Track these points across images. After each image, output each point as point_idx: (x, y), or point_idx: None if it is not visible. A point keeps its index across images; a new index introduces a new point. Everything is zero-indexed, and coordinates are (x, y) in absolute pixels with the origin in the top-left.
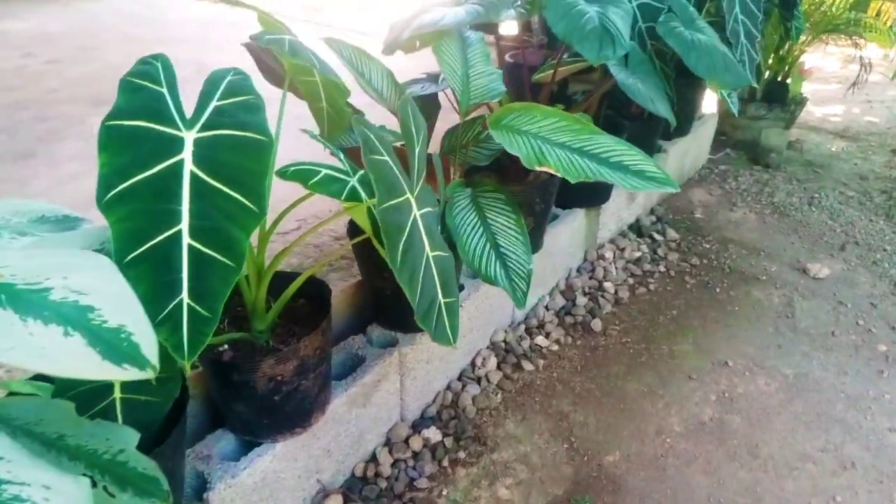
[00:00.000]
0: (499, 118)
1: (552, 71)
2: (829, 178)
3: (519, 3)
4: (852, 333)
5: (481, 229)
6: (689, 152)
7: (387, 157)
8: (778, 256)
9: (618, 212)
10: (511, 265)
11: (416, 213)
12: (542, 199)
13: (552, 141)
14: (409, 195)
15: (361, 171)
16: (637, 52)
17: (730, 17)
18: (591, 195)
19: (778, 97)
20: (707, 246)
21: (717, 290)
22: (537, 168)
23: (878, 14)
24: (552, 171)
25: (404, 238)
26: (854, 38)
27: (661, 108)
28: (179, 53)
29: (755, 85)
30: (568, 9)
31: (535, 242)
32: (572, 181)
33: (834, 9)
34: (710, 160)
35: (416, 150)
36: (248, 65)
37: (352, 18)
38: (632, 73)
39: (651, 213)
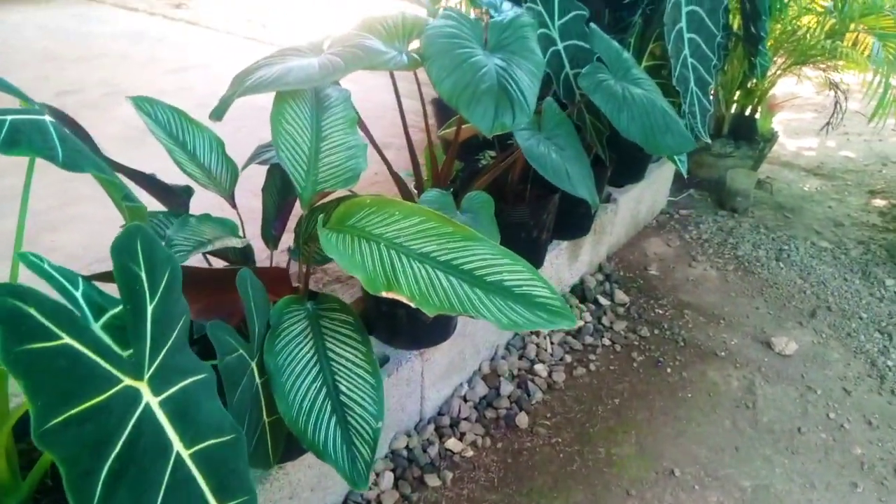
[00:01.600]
0: (343, 216)
1: (455, 129)
2: (800, 225)
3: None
4: (822, 430)
5: (317, 368)
6: (644, 199)
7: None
8: (740, 325)
9: (556, 273)
10: (353, 422)
11: (147, 401)
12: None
13: (412, 251)
14: (126, 382)
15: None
16: (554, 110)
17: (677, 61)
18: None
19: (745, 133)
20: (660, 312)
21: (669, 369)
22: (384, 294)
23: (854, 44)
24: (405, 300)
25: (111, 459)
26: (828, 66)
27: (580, 187)
28: (94, 73)
29: (707, 140)
30: (458, 61)
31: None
32: (430, 314)
33: (808, 37)
34: (670, 202)
35: (150, 309)
36: (168, 87)
37: (299, 36)
38: (546, 137)
39: (599, 269)
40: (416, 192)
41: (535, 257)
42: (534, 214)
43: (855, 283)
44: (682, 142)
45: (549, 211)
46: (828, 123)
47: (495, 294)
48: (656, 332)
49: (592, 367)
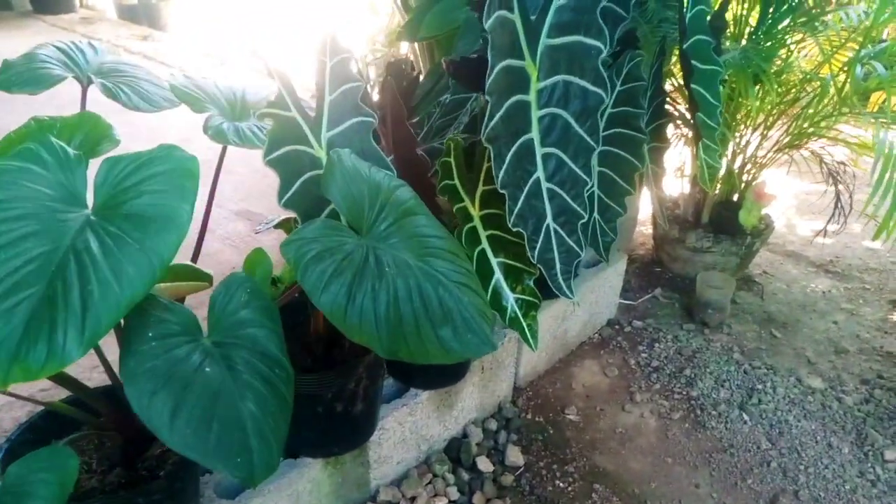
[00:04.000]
0: None
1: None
2: (789, 350)
3: None
4: None
5: None
6: (573, 315)
7: None
8: None
9: (415, 432)
10: None
11: None
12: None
13: None
14: None
15: None
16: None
17: (520, 192)
18: (333, 428)
19: (729, 224)
20: (562, 485)
21: None
22: None
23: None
24: None
25: None
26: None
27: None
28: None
29: (571, 296)
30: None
31: None
32: None
33: (814, 109)
34: (628, 307)
35: None
36: None
37: (254, 75)
38: None
39: (498, 411)
40: None
41: (346, 434)
42: (329, 385)
43: (843, 452)
44: (470, 343)
45: (361, 377)
46: (831, 218)
47: None
48: None
49: None
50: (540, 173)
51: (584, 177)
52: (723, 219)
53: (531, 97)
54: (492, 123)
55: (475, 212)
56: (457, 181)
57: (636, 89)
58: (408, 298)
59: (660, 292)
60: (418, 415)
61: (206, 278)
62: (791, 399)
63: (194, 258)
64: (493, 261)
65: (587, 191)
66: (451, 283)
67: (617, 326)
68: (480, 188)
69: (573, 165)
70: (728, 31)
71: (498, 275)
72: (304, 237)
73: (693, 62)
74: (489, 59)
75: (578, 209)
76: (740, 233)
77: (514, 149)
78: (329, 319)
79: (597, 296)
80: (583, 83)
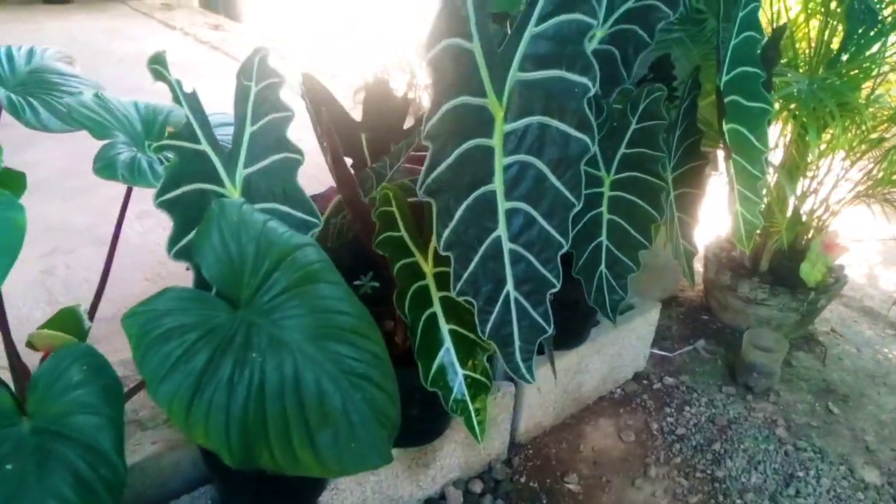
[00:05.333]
0: None
1: None
2: (845, 431)
3: None
4: None
5: None
6: (590, 367)
7: None
8: None
9: (379, 493)
10: None
11: None
12: None
13: None
14: None
15: None
16: None
17: (473, 253)
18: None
19: (789, 277)
20: None
21: None
22: None
23: None
24: None
25: None
26: None
27: None
28: None
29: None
30: None
31: None
32: None
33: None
34: (663, 358)
35: None
36: None
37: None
38: None
39: (488, 470)
40: None
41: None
42: None
43: None
44: (354, 455)
45: None
46: None
47: None
48: None
49: None
50: (502, 231)
51: (559, 238)
52: (784, 268)
53: (495, 142)
54: (435, 173)
55: (428, 269)
56: (404, 233)
57: (654, 129)
58: (278, 393)
59: (702, 345)
60: (383, 474)
61: (80, 334)
62: (837, 494)
63: (92, 309)
64: (444, 328)
65: (560, 254)
66: (344, 375)
67: (645, 381)
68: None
69: (545, 224)
70: (791, 57)
71: (448, 345)
72: (155, 309)
73: (735, 98)
74: (432, 95)
75: (549, 276)
76: (803, 286)
77: (468, 202)
78: (170, 418)
79: (619, 348)
80: (563, 127)
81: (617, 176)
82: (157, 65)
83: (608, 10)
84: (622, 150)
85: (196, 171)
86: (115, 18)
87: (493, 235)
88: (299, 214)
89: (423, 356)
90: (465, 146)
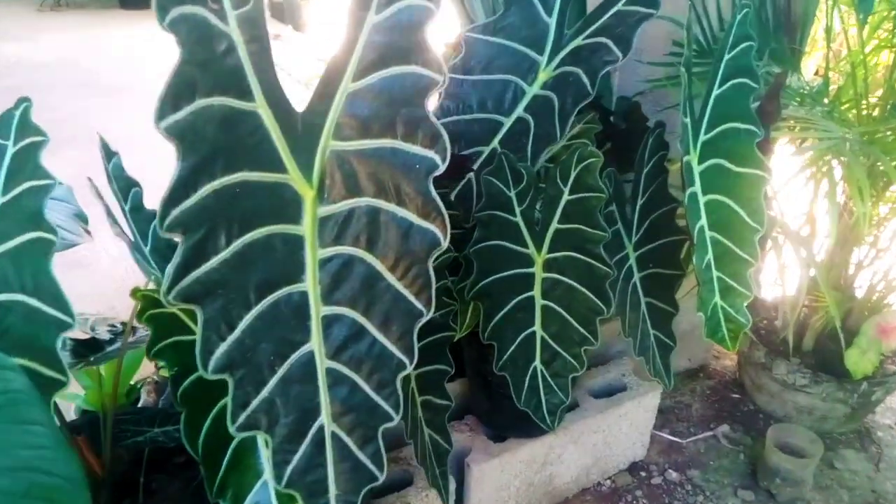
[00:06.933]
0: None
1: None
2: None
3: None
4: None
5: None
6: (563, 458)
7: None
8: None
9: None
10: None
11: None
12: None
13: None
14: None
15: None
16: None
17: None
18: None
19: (835, 363)
20: None
21: None
22: None
23: None
24: None
25: None
26: None
27: None
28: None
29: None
30: None
31: None
32: None
33: None
34: (672, 444)
35: None
36: None
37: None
38: None
39: None
40: None
41: None
42: None
43: None
44: None
45: None
46: None
47: None
48: None
49: None
50: (316, 345)
51: (400, 355)
52: (829, 352)
53: (306, 229)
54: (199, 271)
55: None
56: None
57: (590, 202)
58: None
59: (725, 431)
60: None
61: None
62: None
63: None
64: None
65: (400, 377)
66: None
67: (643, 473)
68: None
69: (380, 336)
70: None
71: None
72: None
73: (718, 162)
74: (177, 171)
75: (384, 405)
76: (851, 375)
77: (260, 308)
78: None
79: (605, 436)
80: (402, 213)
81: (551, 255)
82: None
83: (554, 47)
84: (554, 224)
85: None
86: None
87: (303, 350)
88: (51, 311)
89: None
90: (252, 235)
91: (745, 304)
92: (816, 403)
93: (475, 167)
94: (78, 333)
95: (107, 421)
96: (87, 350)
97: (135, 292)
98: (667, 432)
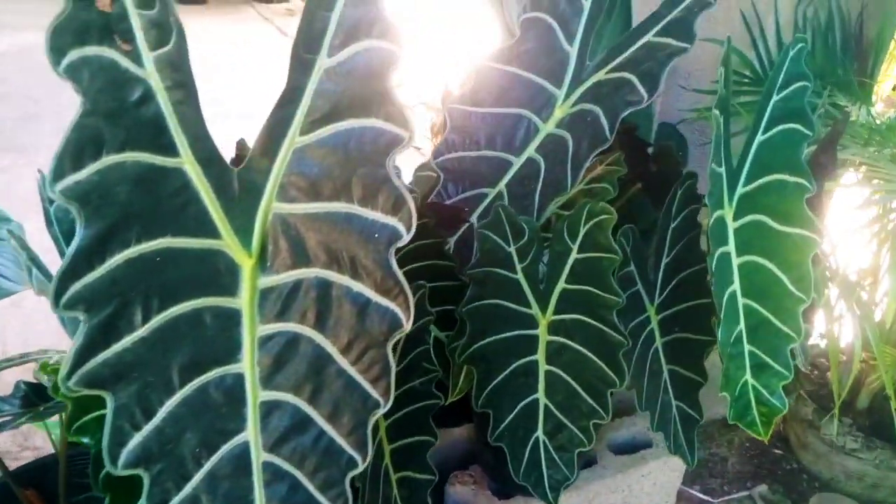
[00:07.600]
0: None
1: None
2: None
3: None
4: None
5: None
6: None
7: None
8: None
9: None
10: None
11: None
12: None
13: None
14: None
15: None
16: None
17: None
18: None
19: (890, 427)
20: None
21: None
22: None
23: None
24: None
25: None
26: None
27: None
28: None
29: None
30: None
31: None
32: None
33: None
34: (702, 503)
35: None
36: None
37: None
38: None
39: None
40: None
41: None
42: None
43: None
44: None
45: None
46: None
47: None
48: None
49: None
50: (251, 436)
51: (351, 451)
52: (885, 413)
53: (243, 301)
54: (108, 353)
55: None
56: None
57: (601, 263)
58: None
59: (763, 492)
60: None
61: None
62: None
63: None
64: None
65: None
66: None
67: None
68: None
69: (328, 428)
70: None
71: None
72: None
73: (758, 218)
74: (78, 241)
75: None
76: None
77: (185, 393)
78: None
79: (625, 496)
80: (357, 288)
81: (558, 317)
82: None
83: (574, 80)
84: (562, 283)
85: None
86: (239, 22)
87: (236, 441)
88: None
89: None
90: (177, 309)
91: (782, 385)
92: (868, 470)
93: (475, 216)
94: (28, 375)
95: (60, 468)
96: (38, 397)
97: (44, 367)
98: (697, 489)
